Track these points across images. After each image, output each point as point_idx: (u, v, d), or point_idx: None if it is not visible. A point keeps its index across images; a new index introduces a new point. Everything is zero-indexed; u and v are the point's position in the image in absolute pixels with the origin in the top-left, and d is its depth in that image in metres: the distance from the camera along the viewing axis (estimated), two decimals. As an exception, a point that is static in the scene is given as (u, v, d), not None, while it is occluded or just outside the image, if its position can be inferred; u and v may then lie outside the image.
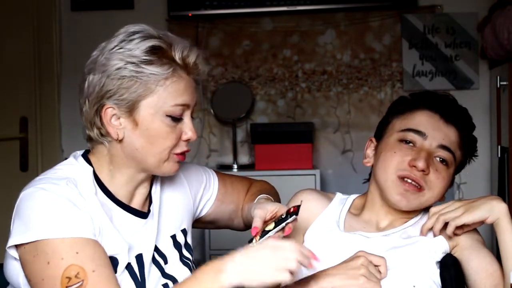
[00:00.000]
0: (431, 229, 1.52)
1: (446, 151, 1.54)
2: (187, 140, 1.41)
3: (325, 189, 3.34)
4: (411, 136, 1.55)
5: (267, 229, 1.39)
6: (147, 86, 1.34)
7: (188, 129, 1.39)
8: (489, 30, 3.09)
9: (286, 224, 1.38)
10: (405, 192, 1.52)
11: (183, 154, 1.42)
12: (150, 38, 1.37)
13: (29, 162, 3.29)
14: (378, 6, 3.43)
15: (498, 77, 2.93)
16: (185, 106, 1.38)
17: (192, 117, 1.42)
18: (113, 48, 1.36)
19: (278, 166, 3.16)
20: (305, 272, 1.46)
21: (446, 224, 1.49)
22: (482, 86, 3.40)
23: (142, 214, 1.44)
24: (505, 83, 2.86)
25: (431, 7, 3.44)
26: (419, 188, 1.52)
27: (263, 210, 1.46)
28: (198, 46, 1.44)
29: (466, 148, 1.59)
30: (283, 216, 1.40)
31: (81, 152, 1.44)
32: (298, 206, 1.40)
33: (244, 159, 3.49)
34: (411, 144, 1.55)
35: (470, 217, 1.46)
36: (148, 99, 1.35)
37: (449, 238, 1.52)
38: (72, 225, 1.27)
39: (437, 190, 1.54)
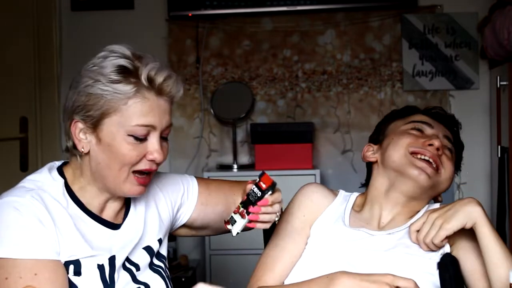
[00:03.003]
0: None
1: (450, 142, 1.63)
2: (152, 160, 1.41)
3: (325, 189, 3.34)
4: (420, 125, 1.62)
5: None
6: (111, 105, 1.36)
7: (153, 149, 1.40)
8: (489, 30, 3.09)
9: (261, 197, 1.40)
10: (424, 168, 1.54)
11: (144, 176, 1.42)
12: (123, 58, 1.38)
13: (29, 162, 3.28)
14: (378, 6, 3.43)
15: (498, 77, 2.93)
16: (150, 127, 1.38)
17: (164, 138, 1.43)
18: (89, 66, 1.40)
19: (278, 166, 3.16)
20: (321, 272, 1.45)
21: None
22: (482, 86, 3.40)
23: (114, 226, 1.46)
24: (505, 83, 2.86)
25: (431, 7, 3.44)
26: (436, 168, 1.55)
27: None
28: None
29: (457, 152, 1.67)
30: (253, 190, 1.41)
31: (59, 163, 1.49)
32: (273, 183, 1.40)
33: (244, 159, 3.49)
34: (421, 131, 1.61)
35: (449, 230, 1.46)
36: (112, 117, 1.37)
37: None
38: (35, 246, 1.31)
39: (449, 173, 1.58)
